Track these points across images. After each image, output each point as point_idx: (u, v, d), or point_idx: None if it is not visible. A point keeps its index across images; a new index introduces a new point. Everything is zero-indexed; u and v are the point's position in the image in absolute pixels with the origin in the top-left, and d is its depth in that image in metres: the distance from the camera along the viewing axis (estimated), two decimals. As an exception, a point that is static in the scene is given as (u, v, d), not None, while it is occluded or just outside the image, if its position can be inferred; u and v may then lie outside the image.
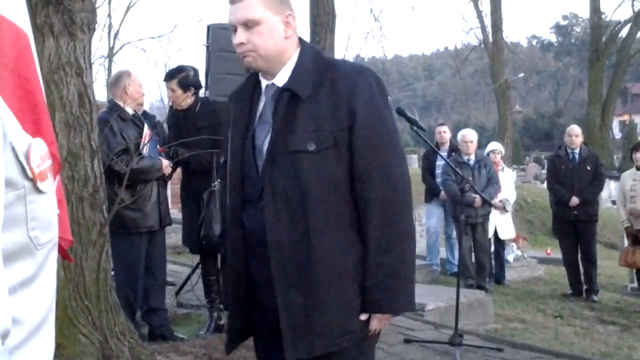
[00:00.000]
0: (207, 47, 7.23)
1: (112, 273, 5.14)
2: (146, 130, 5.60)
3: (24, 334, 1.08)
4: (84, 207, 4.40)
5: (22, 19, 1.29)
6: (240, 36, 2.44)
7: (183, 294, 7.10)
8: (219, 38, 7.21)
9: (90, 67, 4.62)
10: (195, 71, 6.26)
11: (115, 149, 5.30)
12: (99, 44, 26.28)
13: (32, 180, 1.08)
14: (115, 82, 5.82)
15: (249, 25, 2.43)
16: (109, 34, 26.81)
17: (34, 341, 1.10)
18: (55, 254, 1.17)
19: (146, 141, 5.52)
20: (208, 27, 7.28)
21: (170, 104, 6.14)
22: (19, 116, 1.12)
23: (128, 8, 27.07)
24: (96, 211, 4.46)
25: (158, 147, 5.78)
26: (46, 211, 1.11)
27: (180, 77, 5.88)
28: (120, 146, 5.34)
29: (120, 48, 29.10)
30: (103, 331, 4.39)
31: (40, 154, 1.11)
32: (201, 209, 5.74)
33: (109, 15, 25.29)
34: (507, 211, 9.49)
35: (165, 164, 5.63)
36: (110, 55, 27.88)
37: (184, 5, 78.70)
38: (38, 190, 1.09)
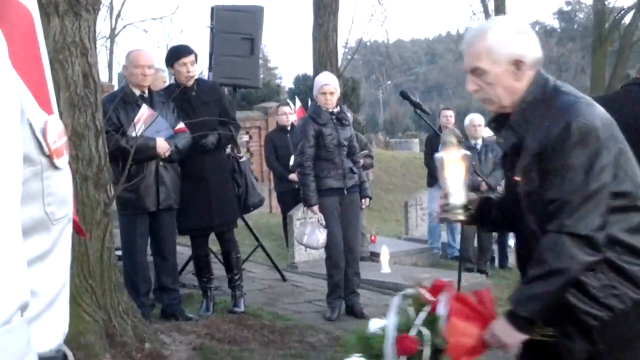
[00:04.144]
0: (211, 29, 7.23)
1: (118, 253, 5.15)
2: (142, 112, 5.50)
3: (40, 307, 1.10)
4: (88, 187, 4.41)
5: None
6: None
7: (185, 275, 7.12)
8: (223, 20, 7.21)
9: (95, 47, 4.62)
10: None
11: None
12: (101, 25, 26.24)
13: (49, 157, 1.10)
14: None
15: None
16: (110, 14, 26.78)
17: (49, 313, 1.12)
18: (70, 229, 1.18)
19: (139, 123, 5.47)
20: (212, 9, 7.27)
21: (176, 81, 6.04)
22: (34, 93, 1.14)
23: (130, -12, 26.90)
24: (100, 191, 4.47)
25: (180, 126, 5.70)
26: (62, 187, 1.13)
27: (194, 52, 6.01)
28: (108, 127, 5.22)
29: (123, 28, 29.07)
30: (107, 310, 4.42)
31: (56, 130, 1.12)
32: (237, 179, 6.04)
33: (112, -5, 25.21)
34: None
35: (163, 144, 5.49)
36: (112, 35, 27.82)
37: (186, -14, 78.26)
38: (54, 167, 1.11)
